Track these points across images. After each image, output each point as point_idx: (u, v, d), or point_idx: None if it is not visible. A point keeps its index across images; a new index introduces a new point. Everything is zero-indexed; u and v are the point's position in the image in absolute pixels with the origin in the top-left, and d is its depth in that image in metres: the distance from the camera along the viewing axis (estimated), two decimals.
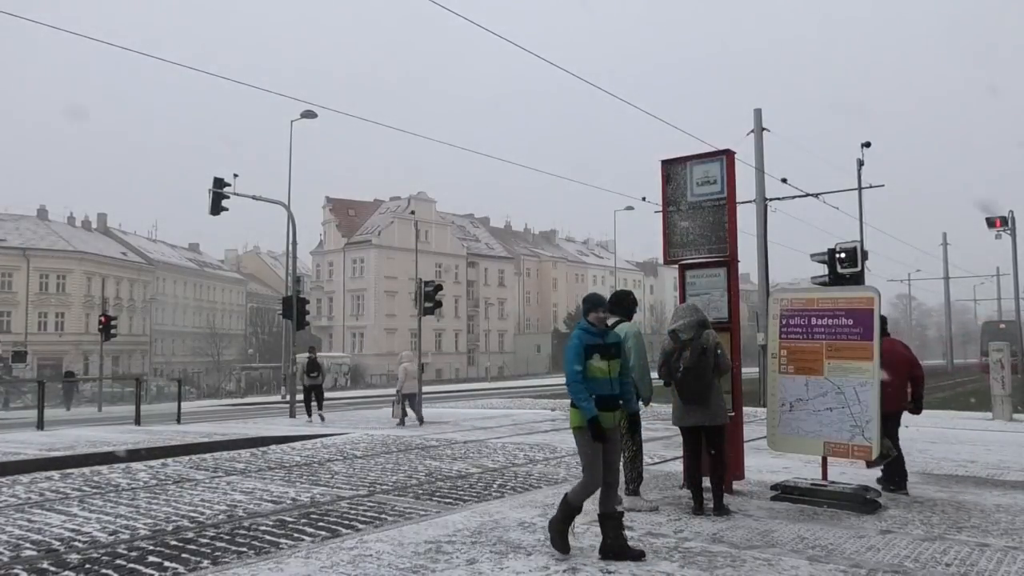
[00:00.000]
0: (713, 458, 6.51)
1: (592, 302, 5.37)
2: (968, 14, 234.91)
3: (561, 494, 7.30)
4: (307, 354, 19.25)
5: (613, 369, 5.21)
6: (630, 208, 47.90)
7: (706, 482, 6.54)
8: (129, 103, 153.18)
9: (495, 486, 8.63)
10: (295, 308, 21.16)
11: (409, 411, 16.89)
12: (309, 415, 18.50)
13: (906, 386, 7.52)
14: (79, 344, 60.21)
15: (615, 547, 5.08)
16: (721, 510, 6.37)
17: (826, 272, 16.51)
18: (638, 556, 5.06)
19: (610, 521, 5.13)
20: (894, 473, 7.51)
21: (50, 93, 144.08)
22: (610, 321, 6.74)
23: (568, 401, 5.29)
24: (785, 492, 7.04)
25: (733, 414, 7.28)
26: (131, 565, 5.58)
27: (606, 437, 5.08)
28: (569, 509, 5.21)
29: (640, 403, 6.61)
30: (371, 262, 67.74)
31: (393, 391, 18.68)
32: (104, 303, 52.74)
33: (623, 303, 6.82)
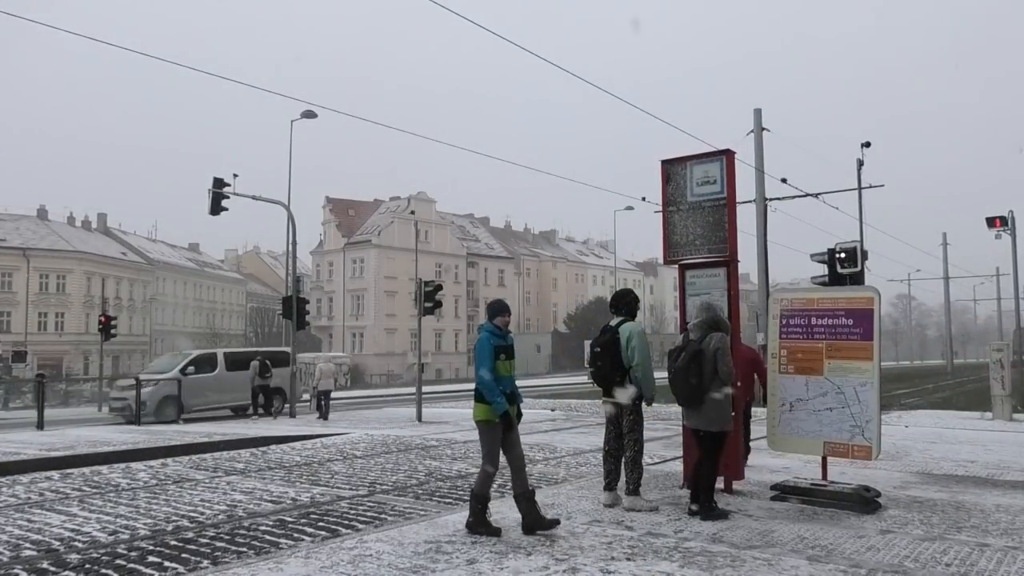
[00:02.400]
0: (700, 462, 6.43)
1: (498, 308, 5.93)
2: (969, 15, 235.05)
3: (561, 494, 7.36)
4: (257, 358, 20.79)
5: (512, 368, 5.87)
6: (630, 208, 47.78)
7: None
8: (129, 103, 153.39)
9: (495, 486, 8.61)
10: (295, 308, 21.19)
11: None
12: (256, 412, 20.02)
13: (751, 382, 8.48)
14: (79, 344, 60.22)
15: (532, 522, 5.68)
16: (706, 513, 6.15)
17: (826, 272, 16.47)
18: (552, 524, 5.66)
19: (523, 499, 5.71)
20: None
21: (50, 93, 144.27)
22: (614, 321, 6.74)
23: (471, 397, 5.93)
24: (785, 492, 7.03)
25: (733, 414, 7.26)
26: (131, 565, 5.58)
27: (514, 427, 5.74)
28: (478, 500, 5.70)
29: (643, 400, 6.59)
30: (371, 262, 67.72)
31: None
32: (104, 303, 52.74)
33: (625, 302, 6.80)
